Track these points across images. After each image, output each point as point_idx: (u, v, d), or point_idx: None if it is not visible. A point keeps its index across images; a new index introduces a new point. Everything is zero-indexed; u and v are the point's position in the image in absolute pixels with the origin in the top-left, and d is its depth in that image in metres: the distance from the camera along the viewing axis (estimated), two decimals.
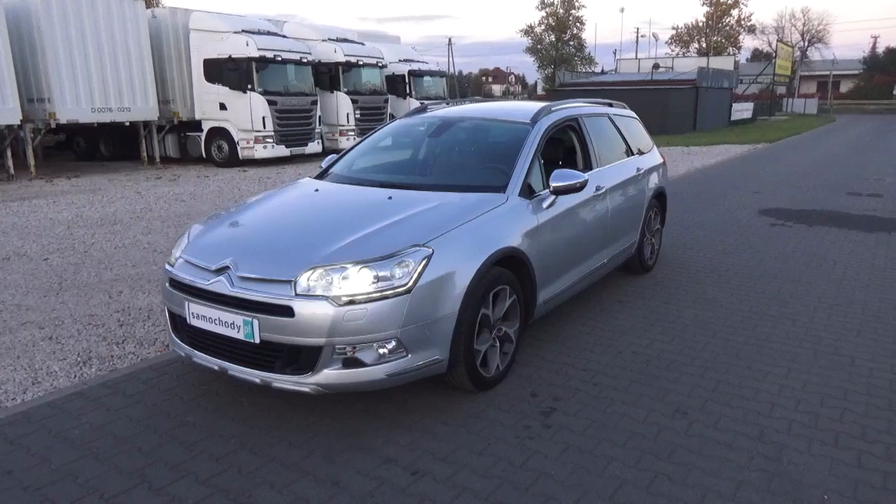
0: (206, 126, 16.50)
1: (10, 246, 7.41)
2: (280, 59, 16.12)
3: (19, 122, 13.47)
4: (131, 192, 11.82)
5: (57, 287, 5.76)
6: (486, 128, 4.82)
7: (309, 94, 17.12)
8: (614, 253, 5.14)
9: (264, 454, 2.99)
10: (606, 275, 5.41)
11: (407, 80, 21.24)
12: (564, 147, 4.99)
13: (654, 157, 6.14)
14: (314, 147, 17.14)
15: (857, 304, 5.15)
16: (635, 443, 3.11)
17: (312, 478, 2.81)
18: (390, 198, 3.82)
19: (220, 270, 3.22)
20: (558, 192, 4.07)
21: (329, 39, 18.52)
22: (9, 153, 13.84)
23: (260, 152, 16.02)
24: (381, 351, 3.08)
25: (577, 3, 61.43)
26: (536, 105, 4.80)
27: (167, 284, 3.48)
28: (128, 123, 15.83)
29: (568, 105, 5.02)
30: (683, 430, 3.23)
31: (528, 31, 64.23)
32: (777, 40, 52.01)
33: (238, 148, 16.09)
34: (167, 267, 3.53)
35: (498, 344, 3.67)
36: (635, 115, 6.25)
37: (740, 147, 21.34)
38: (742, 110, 37.85)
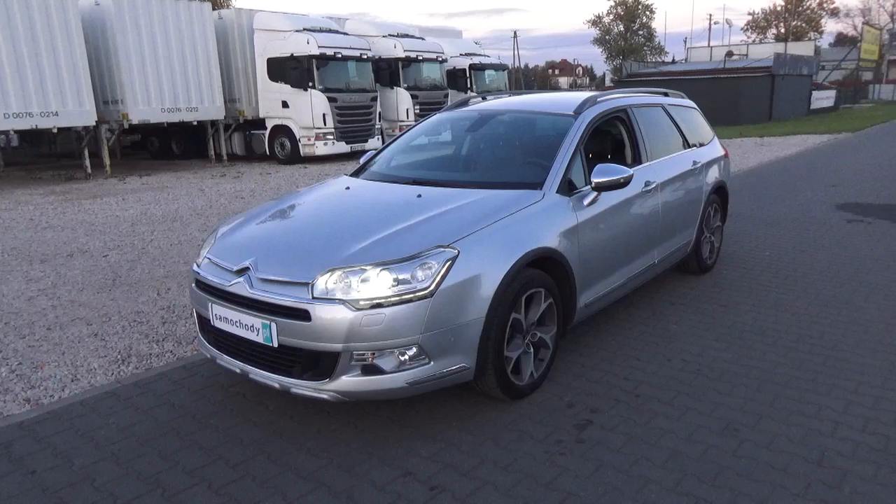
0: (269, 124, 16.87)
1: (76, 243, 7.70)
2: (340, 56, 16.27)
3: (95, 123, 14.11)
4: (195, 190, 12.16)
5: (111, 283, 5.91)
6: (526, 121, 4.59)
7: (369, 90, 17.22)
8: (667, 252, 4.82)
9: (282, 462, 2.91)
10: (659, 275, 5.10)
11: (468, 75, 21.09)
12: (613, 140, 4.71)
13: (713, 150, 5.75)
14: (374, 143, 17.21)
15: None
16: (677, 463, 2.85)
17: (327, 489, 2.70)
18: (420, 196, 3.66)
19: (242, 271, 3.15)
20: (601, 188, 3.81)
21: (389, 35, 18.57)
22: (86, 153, 14.52)
23: (320, 149, 16.24)
24: (402, 358, 2.93)
25: None
26: (582, 96, 4.53)
27: (193, 285, 3.45)
28: (196, 123, 16.34)
29: (616, 95, 4.73)
30: (732, 449, 2.95)
31: (597, 21, 63.03)
32: (863, 23, 48.96)
33: (299, 145, 16.35)
34: (194, 267, 3.50)
35: (532, 350, 3.46)
36: (694, 105, 5.87)
37: (819, 137, 20.12)
38: (823, 98, 35.79)
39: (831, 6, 65.78)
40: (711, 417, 3.23)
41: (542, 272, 3.42)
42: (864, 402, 3.35)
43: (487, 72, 21.84)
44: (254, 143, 17.57)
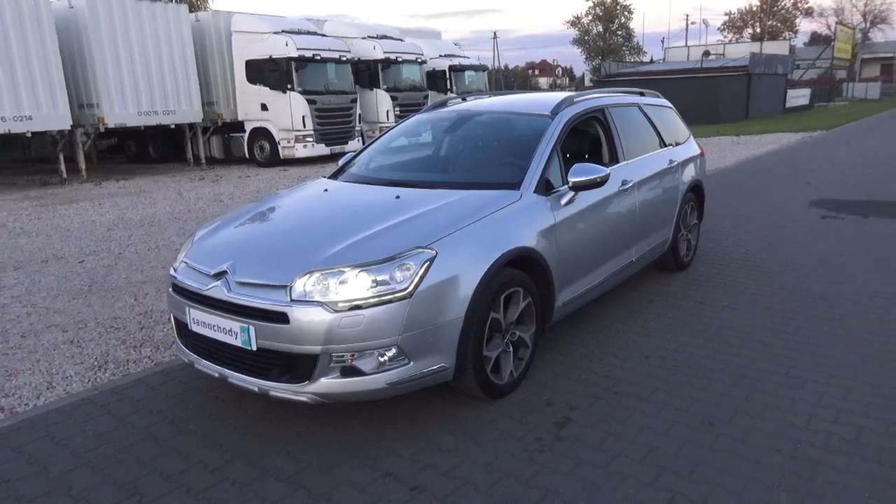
0: (248, 127, 16.75)
1: (51, 248, 7.59)
2: (319, 58, 16.20)
3: (70, 127, 13.91)
4: (173, 194, 12.04)
5: (87, 289, 5.84)
6: (504, 121, 4.62)
7: (348, 92, 17.17)
8: (645, 250, 4.87)
9: (261, 465, 2.89)
10: (638, 273, 5.15)
11: (447, 76, 21.11)
12: (590, 140, 4.75)
13: (689, 149, 5.82)
14: (354, 145, 17.15)
15: None
16: (654, 458, 2.89)
17: (306, 492, 2.70)
18: (398, 197, 3.67)
19: (219, 275, 3.14)
20: (577, 187, 3.84)
21: (368, 37, 18.52)
22: (61, 158, 14.31)
23: (300, 151, 16.16)
24: (381, 359, 2.93)
25: None
26: (559, 96, 4.57)
27: (170, 289, 3.42)
28: (173, 126, 16.17)
29: (593, 95, 4.77)
30: (709, 444, 2.99)
31: (575, 22, 63.47)
32: (836, 22, 49.81)
33: (279, 148, 16.26)
34: (171, 271, 3.48)
35: (511, 349, 3.48)
36: (669, 105, 5.93)
37: (794, 135, 20.42)
38: (798, 97, 36.31)
39: (805, 6, 66.72)
40: (688, 413, 3.27)
41: (520, 272, 3.44)
42: (837, 393, 3.41)
43: (467, 73, 21.88)
44: (232, 146, 17.44)
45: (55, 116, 13.47)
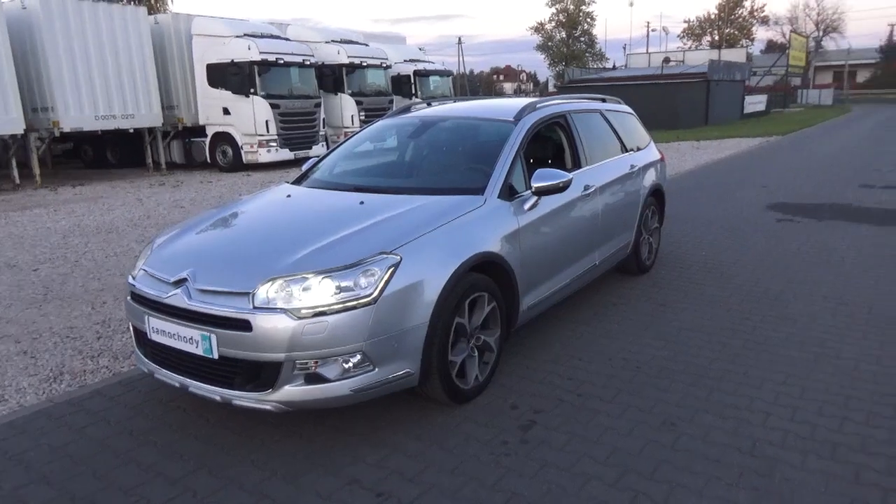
0: (210, 131, 16.50)
1: (3, 257, 7.36)
2: (282, 62, 16.05)
3: (23, 132, 13.51)
4: (132, 200, 11.78)
5: (41, 299, 5.67)
6: (467, 127, 4.64)
7: (312, 96, 17.04)
8: (607, 254, 4.94)
9: (223, 476, 2.85)
10: (601, 276, 5.22)
11: (412, 81, 21.12)
12: (553, 145, 4.80)
13: (650, 154, 5.93)
14: (319, 150, 17.00)
15: (864, 303, 4.90)
16: (618, 459, 2.93)
17: (271, 502, 2.66)
18: (362, 202, 3.66)
19: (179, 283, 3.08)
20: (540, 192, 3.88)
21: (332, 41, 18.44)
22: (13, 163, 13.88)
23: (264, 156, 15.98)
24: (346, 365, 2.92)
25: None
26: (522, 102, 4.61)
27: (129, 298, 3.35)
28: (132, 130, 15.83)
29: (555, 101, 4.83)
30: (670, 443, 3.04)
31: (539, 28, 64.02)
32: (790, 31, 51.31)
33: (242, 152, 16.05)
34: (129, 279, 3.40)
35: (477, 354, 3.50)
36: (631, 111, 6.04)
37: (752, 140, 20.96)
38: (755, 103, 37.28)
39: (761, 15, 68.55)
40: (651, 413, 3.32)
41: (484, 276, 3.46)
42: (792, 392, 3.50)
43: (432, 78, 21.91)
44: (194, 151, 17.14)
45: (7, 120, 13.05)
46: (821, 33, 68.25)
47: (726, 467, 2.84)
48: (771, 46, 70.77)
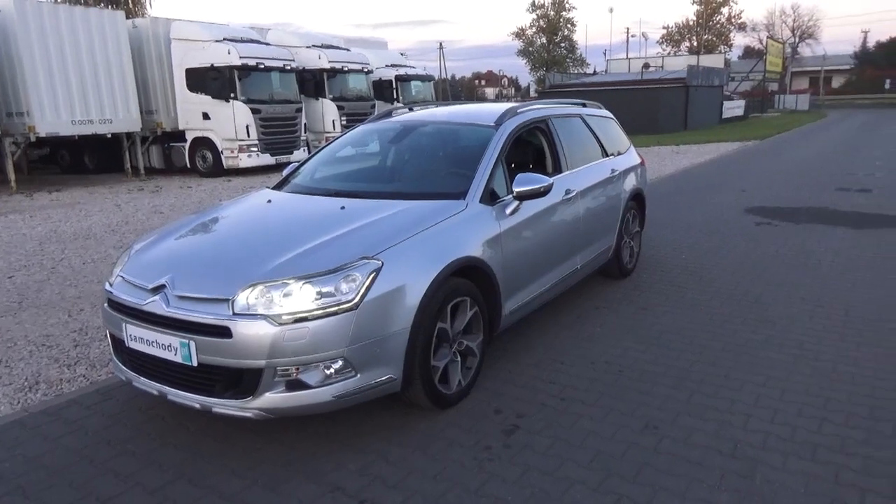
0: (189, 136, 16.36)
1: None
2: (263, 66, 15.97)
3: None
4: (110, 205, 11.63)
5: (16, 306, 5.57)
6: (448, 132, 4.64)
7: (293, 101, 16.97)
8: (589, 258, 4.96)
9: (203, 484, 2.81)
10: (583, 280, 5.24)
11: (394, 85, 21.10)
12: (534, 150, 4.82)
13: (630, 158, 5.97)
14: (300, 155, 16.91)
15: (841, 305, 4.97)
16: (601, 462, 2.93)
17: None
18: (343, 208, 3.64)
19: (157, 289, 3.04)
20: (521, 197, 3.89)
21: (313, 46, 18.38)
22: None
23: (244, 161, 15.87)
24: (328, 371, 2.89)
25: (567, 5, 61.54)
26: (503, 107, 4.62)
27: (106, 305, 3.29)
28: (110, 135, 15.64)
29: (536, 106, 4.85)
30: (653, 446, 3.05)
31: (520, 33, 64.41)
32: (767, 37, 52.09)
33: (222, 157, 15.93)
34: (106, 286, 3.35)
35: (459, 359, 3.49)
36: (611, 116, 6.08)
37: (730, 145, 21.21)
38: (734, 108, 37.76)
39: (739, 21, 69.63)
40: (633, 417, 3.33)
41: (466, 281, 3.45)
42: (772, 394, 3.54)
43: (414, 82, 21.92)
44: (173, 156, 16.98)
45: None
46: (797, 39, 69.51)
47: (708, 469, 2.85)
48: (748, 52, 71.78)
